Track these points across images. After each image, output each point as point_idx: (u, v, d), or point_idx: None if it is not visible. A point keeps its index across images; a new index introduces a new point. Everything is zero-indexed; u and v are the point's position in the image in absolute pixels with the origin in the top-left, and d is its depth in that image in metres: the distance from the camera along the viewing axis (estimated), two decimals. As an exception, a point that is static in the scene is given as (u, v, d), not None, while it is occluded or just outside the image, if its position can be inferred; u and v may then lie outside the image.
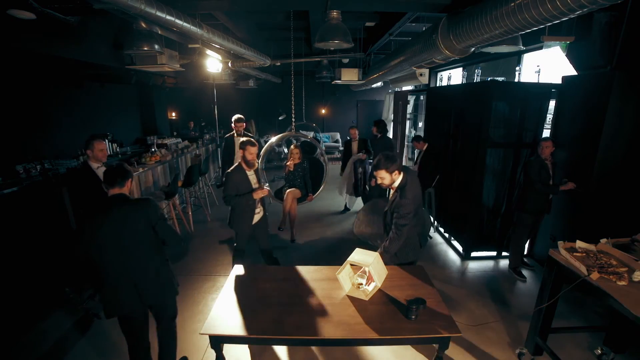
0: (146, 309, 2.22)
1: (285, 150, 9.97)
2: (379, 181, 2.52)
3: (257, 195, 3.17)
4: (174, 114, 11.59)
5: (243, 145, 3.15)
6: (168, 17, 2.81)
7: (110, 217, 1.99)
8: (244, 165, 3.20)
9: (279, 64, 6.94)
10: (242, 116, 4.98)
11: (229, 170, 3.22)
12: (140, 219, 2.07)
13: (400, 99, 6.83)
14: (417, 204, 2.51)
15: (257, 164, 3.30)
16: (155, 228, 2.11)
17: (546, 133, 4.15)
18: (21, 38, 3.45)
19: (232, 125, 4.95)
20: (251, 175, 3.26)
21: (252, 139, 3.22)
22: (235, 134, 4.94)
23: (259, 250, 3.52)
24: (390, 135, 7.92)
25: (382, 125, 5.40)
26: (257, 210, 3.32)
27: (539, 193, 3.60)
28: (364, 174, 5.67)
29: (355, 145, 5.80)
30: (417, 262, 2.80)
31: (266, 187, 3.27)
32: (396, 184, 2.52)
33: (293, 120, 5.23)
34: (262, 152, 5.01)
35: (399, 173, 2.49)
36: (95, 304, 3.25)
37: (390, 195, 2.63)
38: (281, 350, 2.75)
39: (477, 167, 4.08)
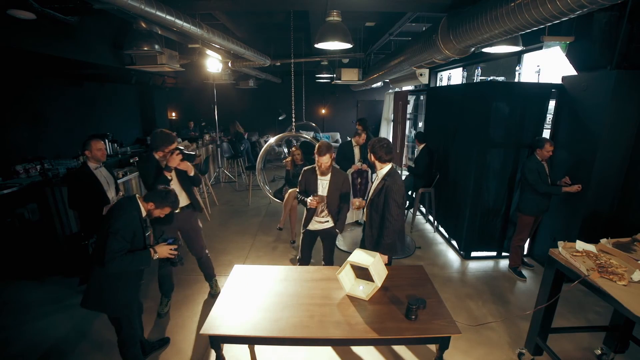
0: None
1: (285, 150, 9.98)
2: (370, 157, 2.70)
3: (311, 204, 2.90)
4: (174, 114, 11.59)
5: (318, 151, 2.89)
6: (168, 17, 2.81)
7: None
8: (317, 170, 3.00)
9: (279, 64, 6.94)
10: (171, 134, 2.94)
11: (306, 168, 3.10)
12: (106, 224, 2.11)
13: (400, 99, 6.82)
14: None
15: (329, 172, 3.00)
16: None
17: (546, 133, 4.15)
18: (21, 38, 3.45)
19: (156, 152, 2.93)
20: (324, 180, 3.01)
21: (327, 143, 2.91)
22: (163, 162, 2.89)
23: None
24: (391, 135, 7.92)
25: (365, 123, 5.49)
26: (318, 219, 3.09)
27: (539, 194, 3.59)
28: (365, 184, 5.17)
29: (357, 151, 5.22)
30: (420, 263, 2.80)
31: (317, 196, 2.93)
32: (383, 171, 2.66)
33: (293, 120, 5.23)
34: (261, 152, 5.00)
35: (386, 161, 2.64)
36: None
37: (375, 184, 2.73)
38: (281, 350, 2.76)
39: (477, 167, 4.08)
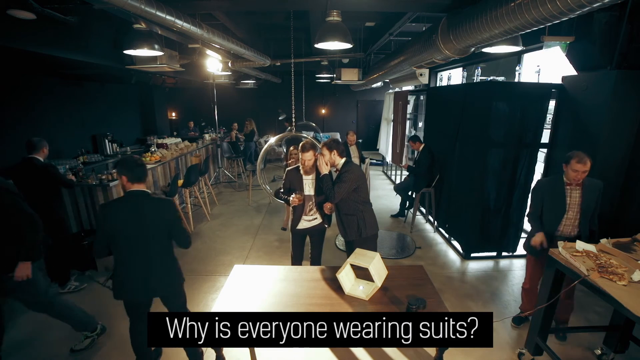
0: (151, 298, 2.34)
1: (285, 150, 9.99)
2: (321, 158, 2.84)
3: (293, 202, 2.93)
4: (174, 114, 11.58)
5: (303, 149, 2.94)
6: (168, 17, 2.81)
7: (132, 212, 2.11)
8: (302, 168, 3.01)
9: (279, 64, 6.94)
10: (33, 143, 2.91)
11: (289, 168, 3.09)
12: (161, 218, 2.18)
13: (400, 99, 6.83)
14: (358, 182, 2.82)
15: (313, 171, 3.02)
16: (171, 227, 2.22)
17: (546, 133, 4.15)
18: (21, 38, 3.45)
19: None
20: (308, 180, 3.03)
21: (311, 141, 2.96)
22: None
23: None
24: (391, 135, 7.96)
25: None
26: (306, 218, 3.10)
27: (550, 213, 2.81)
28: None
29: (354, 150, 5.83)
30: (420, 263, 2.79)
31: (298, 194, 2.96)
32: (341, 163, 2.87)
33: (293, 120, 5.23)
34: (261, 153, 5.00)
35: (339, 156, 2.86)
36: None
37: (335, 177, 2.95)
38: (281, 350, 2.76)
39: (477, 167, 4.08)
